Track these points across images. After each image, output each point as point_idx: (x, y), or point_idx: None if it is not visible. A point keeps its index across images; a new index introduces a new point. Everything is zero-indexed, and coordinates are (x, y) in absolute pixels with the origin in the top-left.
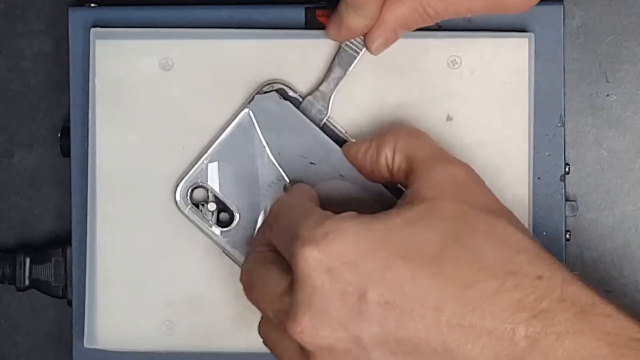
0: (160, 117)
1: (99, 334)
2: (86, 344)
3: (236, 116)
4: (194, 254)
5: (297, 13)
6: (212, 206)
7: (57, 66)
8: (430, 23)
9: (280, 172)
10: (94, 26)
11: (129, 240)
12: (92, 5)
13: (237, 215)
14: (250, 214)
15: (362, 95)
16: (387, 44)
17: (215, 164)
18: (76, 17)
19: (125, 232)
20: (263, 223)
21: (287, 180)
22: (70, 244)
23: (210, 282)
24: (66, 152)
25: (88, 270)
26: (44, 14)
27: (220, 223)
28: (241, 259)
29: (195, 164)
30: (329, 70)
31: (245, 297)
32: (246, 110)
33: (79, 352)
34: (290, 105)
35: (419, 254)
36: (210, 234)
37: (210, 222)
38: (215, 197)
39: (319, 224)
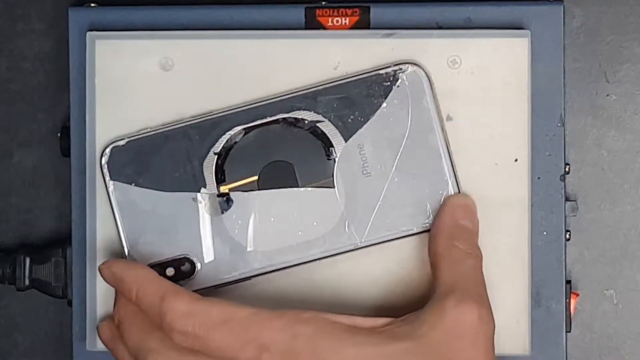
0: (160, 117)
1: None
2: (88, 347)
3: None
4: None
5: (297, 13)
6: (170, 271)
7: (57, 66)
8: None
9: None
10: (95, 26)
11: None
12: (92, 5)
13: (198, 265)
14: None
15: None
16: None
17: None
18: (76, 17)
19: None
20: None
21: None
22: (70, 244)
23: None
24: (66, 152)
25: (88, 270)
26: (44, 14)
27: (185, 274)
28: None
29: None
30: None
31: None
32: None
33: (79, 352)
34: None
35: None
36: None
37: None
38: (167, 260)
39: None
